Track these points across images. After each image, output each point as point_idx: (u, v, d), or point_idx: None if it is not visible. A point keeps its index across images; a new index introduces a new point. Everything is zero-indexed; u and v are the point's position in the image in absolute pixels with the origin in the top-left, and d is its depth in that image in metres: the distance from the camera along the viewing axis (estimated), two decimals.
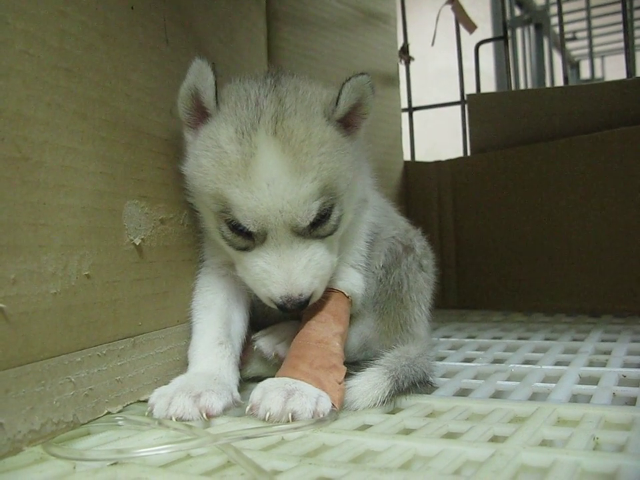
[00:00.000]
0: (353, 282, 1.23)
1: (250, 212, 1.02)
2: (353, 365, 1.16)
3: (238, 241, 1.08)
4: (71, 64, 0.94)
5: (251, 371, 1.23)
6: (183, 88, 1.08)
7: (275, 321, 1.27)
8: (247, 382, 1.19)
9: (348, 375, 1.07)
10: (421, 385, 1.10)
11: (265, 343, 1.20)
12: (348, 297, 1.20)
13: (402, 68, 2.49)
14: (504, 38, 2.48)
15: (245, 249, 1.08)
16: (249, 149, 1.02)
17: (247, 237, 1.06)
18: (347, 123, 1.13)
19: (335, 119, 1.10)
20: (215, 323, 1.15)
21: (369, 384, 1.04)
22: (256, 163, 1.01)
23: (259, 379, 1.09)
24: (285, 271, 1.05)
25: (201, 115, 1.11)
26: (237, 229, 1.06)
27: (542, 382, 1.17)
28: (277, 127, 1.03)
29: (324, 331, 1.10)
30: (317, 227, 1.07)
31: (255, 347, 1.20)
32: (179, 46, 1.22)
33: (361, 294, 1.25)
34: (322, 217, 1.06)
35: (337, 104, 1.09)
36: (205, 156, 1.06)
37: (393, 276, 1.32)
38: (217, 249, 1.19)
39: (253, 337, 1.23)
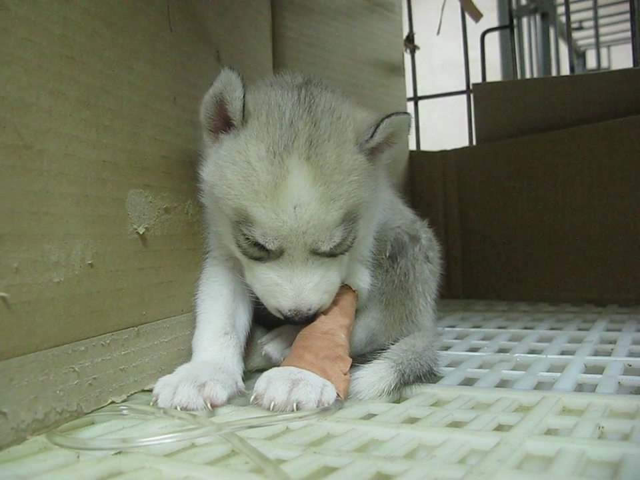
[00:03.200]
0: (360, 277, 1.23)
1: (272, 231, 1.01)
2: (360, 356, 1.16)
3: (253, 251, 1.07)
4: (74, 52, 0.93)
5: (253, 364, 1.22)
6: (208, 95, 1.06)
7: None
8: (251, 372, 1.19)
9: (354, 367, 1.07)
10: (426, 377, 1.10)
11: (273, 349, 1.20)
12: (354, 291, 1.20)
13: (407, 57, 2.48)
14: (510, 27, 2.46)
15: (258, 259, 1.08)
16: (279, 171, 1.00)
17: (263, 249, 1.05)
18: (375, 148, 1.12)
19: (366, 147, 1.09)
20: (221, 313, 1.15)
21: (376, 376, 1.04)
22: (286, 186, 1.00)
23: (263, 369, 1.09)
24: (297, 286, 1.05)
25: (223, 121, 1.09)
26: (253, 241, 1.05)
27: (547, 371, 1.17)
28: (311, 152, 1.02)
29: (330, 323, 1.10)
30: (334, 247, 1.07)
31: (263, 353, 1.21)
32: (183, 34, 1.22)
33: (367, 288, 1.25)
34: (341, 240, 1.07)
35: (371, 136, 1.08)
36: (230, 169, 1.04)
37: (400, 266, 1.32)
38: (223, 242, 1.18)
39: (259, 342, 1.24)
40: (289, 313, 1.06)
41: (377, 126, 1.08)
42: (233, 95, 1.03)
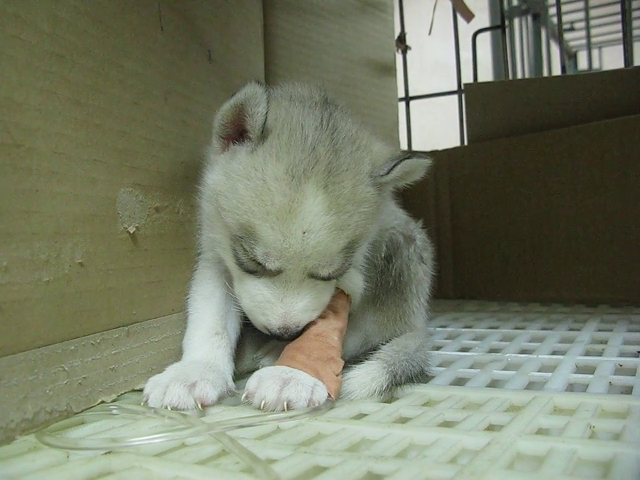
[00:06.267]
0: (354, 281, 1.23)
1: (275, 252, 1.00)
2: (353, 357, 1.17)
3: (249, 265, 1.05)
4: (64, 50, 0.93)
5: (244, 366, 1.22)
6: (228, 104, 1.03)
7: None
8: (242, 373, 1.19)
9: (346, 367, 1.07)
10: (417, 378, 1.10)
11: (269, 363, 1.20)
12: (348, 295, 1.21)
13: (399, 57, 2.48)
14: (501, 27, 2.46)
15: (253, 273, 1.06)
16: (295, 196, 0.99)
17: (260, 265, 1.04)
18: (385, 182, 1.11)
19: (379, 182, 1.09)
20: (213, 314, 1.15)
21: (368, 377, 1.04)
22: (300, 211, 0.99)
23: (254, 370, 1.09)
24: (287, 305, 1.05)
25: (237, 131, 1.06)
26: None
27: (538, 371, 1.17)
28: (328, 180, 1.01)
29: (323, 325, 1.10)
30: (331, 272, 1.06)
31: (260, 367, 1.20)
32: (174, 33, 1.21)
33: (360, 293, 1.25)
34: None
35: (387, 172, 1.08)
36: (243, 184, 1.02)
37: (394, 267, 1.32)
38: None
39: (255, 356, 1.24)
40: (277, 332, 1.06)
41: (395, 165, 1.07)
42: (255, 110, 1.01)
